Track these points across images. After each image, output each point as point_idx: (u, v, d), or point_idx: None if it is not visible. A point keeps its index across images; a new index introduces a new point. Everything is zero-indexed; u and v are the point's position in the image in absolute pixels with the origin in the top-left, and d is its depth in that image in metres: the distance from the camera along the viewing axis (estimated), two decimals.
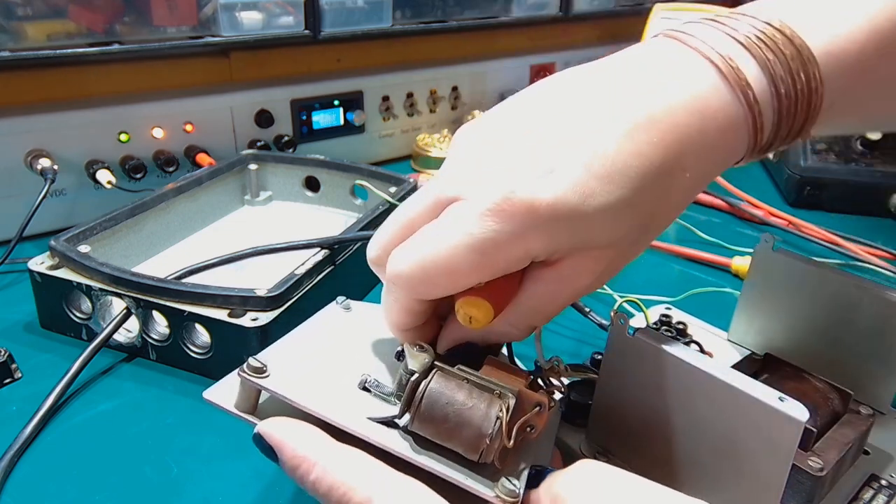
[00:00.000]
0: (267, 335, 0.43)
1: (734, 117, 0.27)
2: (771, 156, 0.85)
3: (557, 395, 0.36)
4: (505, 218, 0.26)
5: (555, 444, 0.34)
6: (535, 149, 0.27)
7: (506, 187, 0.26)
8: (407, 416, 0.27)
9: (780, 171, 0.81)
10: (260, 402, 0.29)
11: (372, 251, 0.31)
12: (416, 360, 0.28)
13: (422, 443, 0.27)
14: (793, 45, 0.28)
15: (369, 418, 0.28)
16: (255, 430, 0.27)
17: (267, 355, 0.30)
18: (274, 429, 0.27)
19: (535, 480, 0.27)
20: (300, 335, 0.34)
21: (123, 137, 0.66)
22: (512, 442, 0.26)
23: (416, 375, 0.28)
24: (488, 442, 0.26)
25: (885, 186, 0.74)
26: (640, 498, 0.24)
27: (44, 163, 0.60)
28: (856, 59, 0.28)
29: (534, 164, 0.26)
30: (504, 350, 0.36)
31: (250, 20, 0.71)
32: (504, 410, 0.26)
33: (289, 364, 0.30)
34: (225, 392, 0.30)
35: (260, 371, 0.29)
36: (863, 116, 0.33)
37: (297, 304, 0.45)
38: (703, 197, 0.77)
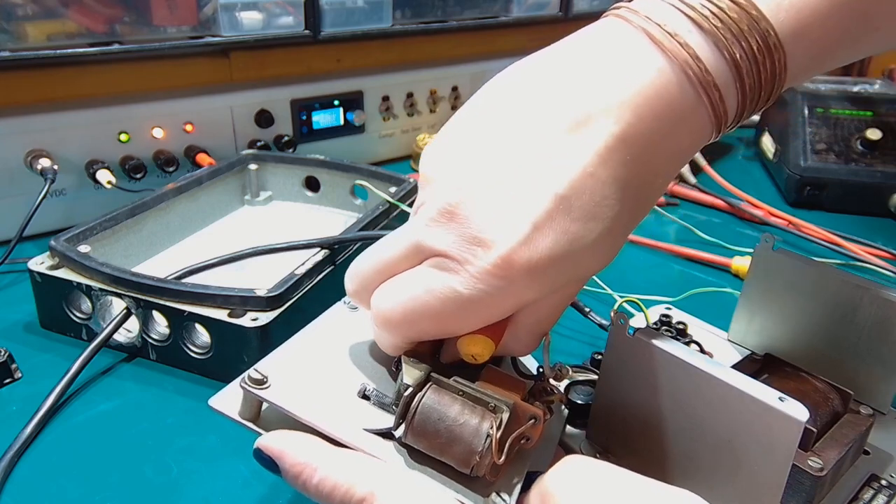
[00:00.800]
0: (267, 335, 0.43)
1: (700, 117, 0.27)
2: (771, 156, 0.85)
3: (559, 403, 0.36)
4: (496, 280, 0.26)
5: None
6: (509, 194, 0.26)
7: (494, 252, 0.25)
8: (402, 429, 0.28)
9: (780, 171, 0.81)
10: (263, 408, 0.30)
11: (350, 284, 0.31)
12: (411, 374, 0.29)
13: (416, 454, 0.28)
14: (757, 28, 0.26)
15: (366, 429, 0.28)
16: (255, 446, 0.28)
17: (268, 364, 0.31)
18: (272, 441, 0.28)
19: (529, 484, 0.27)
20: (304, 339, 0.34)
21: (123, 137, 0.66)
22: (503, 458, 0.26)
23: (410, 390, 0.28)
24: (478, 458, 0.26)
25: (885, 186, 0.74)
26: (627, 490, 0.25)
27: (44, 163, 0.60)
28: (819, 42, 0.27)
29: (514, 218, 0.26)
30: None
31: (250, 20, 0.71)
32: (494, 427, 0.27)
33: (289, 373, 0.30)
34: (230, 399, 0.30)
35: (260, 382, 0.29)
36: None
37: (297, 304, 0.45)
38: (703, 197, 0.77)
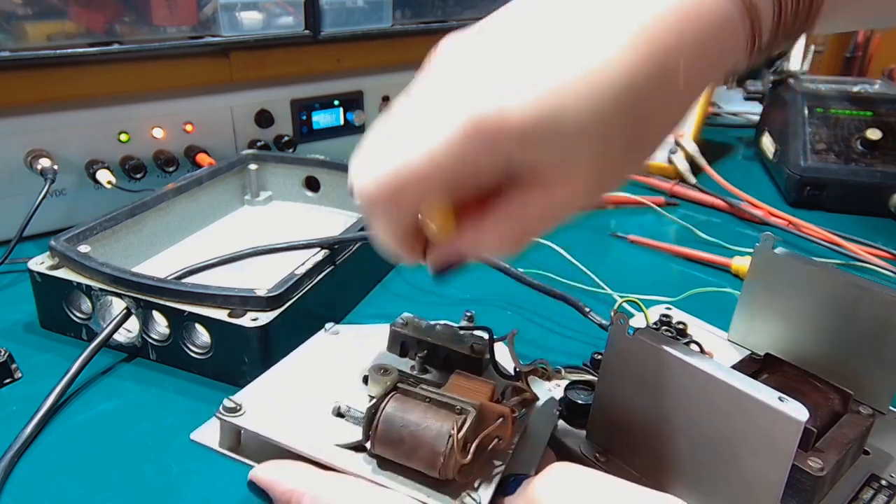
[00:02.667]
0: (267, 335, 0.43)
1: (730, 19, 0.25)
2: (771, 156, 0.85)
3: (547, 399, 0.36)
4: (477, 135, 0.24)
5: (555, 445, 0.35)
6: (511, 62, 0.25)
7: (481, 104, 0.24)
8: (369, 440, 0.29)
9: (780, 171, 0.81)
10: (243, 437, 0.31)
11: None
12: (376, 385, 0.30)
13: (387, 464, 0.28)
14: None
15: (337, 445, 0.29)
16: (248, 478, 0.29)
17: (245, 393, 0.32)
18: (262, 472, 0.29)
19: (513, 487, 0.28)
20: (283, 368, 0.35)
21: (123, 137, 0.66)
22: (469, 457, 0.27)
23: (373, 401, 0.28)
24: (443, 460, 0.27)
25: (885, 186, 0.74)
26: (612, 496, 0.25)
27: (44, 163, 0.60)
28: None
29: (508, 78, 0.24)
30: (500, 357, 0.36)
31: (250, 20, 0.71)
32: (456, 428, 0.27)
33: (265, 399, 0.32)
34: (211, 432, 0.31)
35: (234, 410, 0.30)
36: (860, 11, 0.31)
37: (297, 304, 0.45)
38: (703, 197, 0.77)
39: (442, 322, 0.39)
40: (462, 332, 0.38)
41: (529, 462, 0.31)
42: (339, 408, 0.30)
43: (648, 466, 0.32)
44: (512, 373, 0.36)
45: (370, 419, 0.28)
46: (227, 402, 0.30)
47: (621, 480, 0.26)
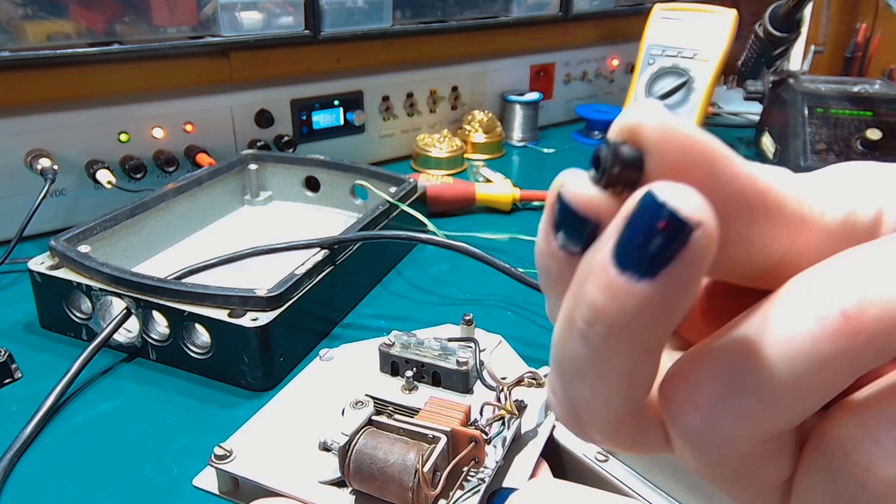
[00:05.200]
0: (267, 335, 0.43)
1: None
2: (771, 156, 0.85)
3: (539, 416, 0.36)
4: None
5: (554, 447, 0.35)
6: None
7: None
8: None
9: None
10: (240, 480, 0.32)
11: None
12: (349, 422, 0.30)
13: (366, 498, 0.29)
14: None
15: (320, 482, 0.30)
16: None
17: (236, 437, 0.33)
18: None
19: (500, 501, 0.28)
20: (276, 404, 0.36)
21: (123, 137, 0.66)
22: (439, 488, 0.28)
23: (345, 439, 0.29)
24: (412, 494, 0.28)
25: None
26: None
27: (44, 163, 0.60)
28: None
29: None
30: (481, 356, 0.37)
31: (250, 20, 0.71)
32: (421, 460, 0.28)
33: (254, 442, 0.33)
34: (212, 476, 0.32)
35: (224, 457, 0.31)
36: None
37: (297, 304, 0.45)
38: None
39: (432, 335, 0.39)
40: (451, 343, 0.38)
41: (521, 473, 0.32)
42: (325, 442, 0.31)
43: (648, 467, 0.32)
44: (498, 378, 0.36)
45: (343, 457, 0.29)
46: (217, 450, 0.31)
47: (602, 493, 0.26)
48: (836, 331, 0.12)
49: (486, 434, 0.31)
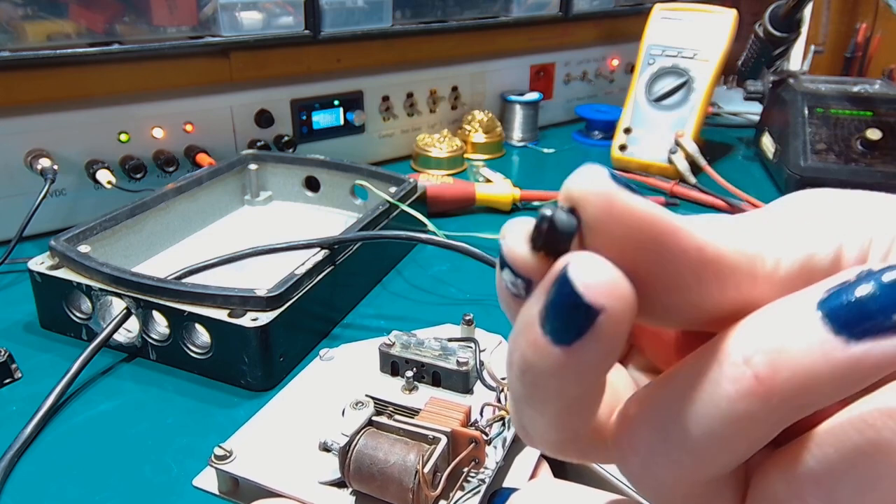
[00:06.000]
0: (267, 335, 0.43)
1: None
2: (771, 156, 0.85)
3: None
4: None
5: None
6: None
7: None
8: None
9: (780, 171, 0.81)
10: (240, 480, 0.32)
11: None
12: (349, 422, 0.30)
13: (367, 499, 0.29)
14: None
15: (320, 482, 0.30)
16: None
17: (236, 437, 0.33)
18: None
19: (500, 501, 0.28)
20: (276, 404, 0.36)
21: (123, 137, 0.66)
22: (440, 489, 0.28)
23: (346, 439, 0.29)
24: (412, 495, 0.28)
25: (885, 186, 0.74)
26: None
27: (44, 163, 0.60)
28: None
29: None
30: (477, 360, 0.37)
31: (250, 20, 0.71)
32: (421, 461, 0.28)
33: (254, 442, 0.33)
34: (211, 477, 0.32)
35: (224, 457, 0.31)
36: None
37: (297, 304, 0.45)
38: (703, 197, 0.77)
39: (432, 335, 0.39)
40: (451, 343, 0.38)
41: (521, 473, 0.32)
42: (325, 442, 0.31)
43: None
44: (497, 378, 0.36)
45: (343, 457, 0.29)
46: (217, 450, 0.31)
47: (601, 492, 0.26)
48: (750, 393, 0.12)
49: (487, 435, 0.31)
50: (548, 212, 0.13)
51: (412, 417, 0.32)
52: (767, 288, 0.14)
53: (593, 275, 0.12)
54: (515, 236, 0.14)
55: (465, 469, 0.29)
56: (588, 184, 0.13)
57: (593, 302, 0.12)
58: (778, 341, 0.12)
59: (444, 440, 0.29)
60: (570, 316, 0.12)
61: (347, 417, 0.30)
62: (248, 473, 0.31)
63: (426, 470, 0.27)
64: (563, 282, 0.12)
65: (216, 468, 0.31)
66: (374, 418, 0.30)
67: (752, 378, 0.12)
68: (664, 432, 0.14)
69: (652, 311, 0.14)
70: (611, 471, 0.33)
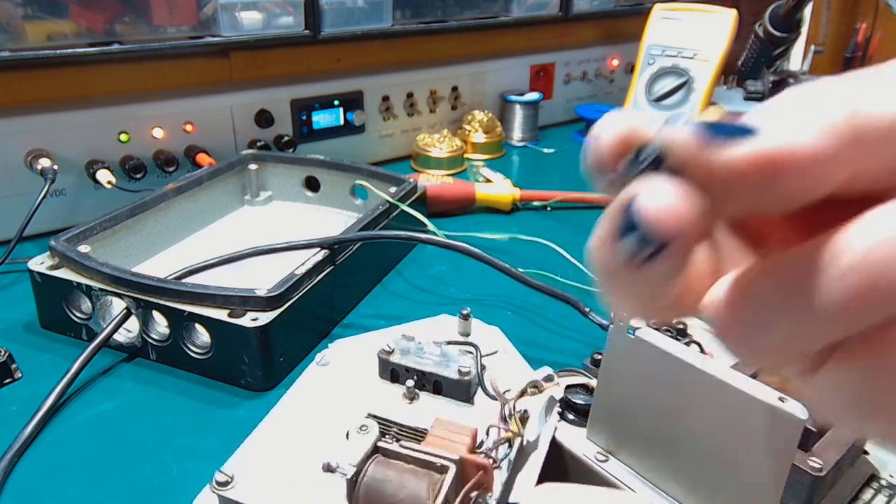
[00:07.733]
0: (267, 335, 0.43)
1: None
2: None
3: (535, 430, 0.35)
4: None
5: (555, 447, 0.35)
6: None
7: None
8: None
9: None
10: None
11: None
12: (354, 451, 0.29)
13: None
14: None
15: None
16: None
17: (234, 461, 0.32)
18: None
19: None
20: (274, 419, 0.35)
21: (123, 137, 0.66)
22: None
23: (353, 471, 0.29)
24: None
25: None
26: None
27: (44, 163, 0.60)
28: None
29: None
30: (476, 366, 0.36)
31: (250, 20, 0.71)
32: (432, 496, 0.27)
33: (255, 466, 0.32)
34: (213, 500, 0.31)
35: (226, 483, 0.31)
36: None
37: (297, 304, 0.45)
38: None
39: (427, 328, 0.39)
40: (451, 347, 0.38)
41: (525, 484, 0.32)
42: (328, 464, 0.30)
43: (649, 466, 0.32)
44: (501, 393, 0.35)
45: (351, 489, 0.28)
46: (218, 476, 0.31)
47: (601, 490, 0.26)
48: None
49: (495, 460, 0.31)
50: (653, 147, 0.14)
51: (418, 440, 0.31)
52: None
53: (664, 201, 0.13)
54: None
55: (474, 494, 0.29)
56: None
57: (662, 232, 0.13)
58: None
59: (452, 468, 0.28)
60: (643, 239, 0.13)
61: (352, 442, 0.30)
62: (251, 500, 0.30)
63: (439, 502, 0.27)
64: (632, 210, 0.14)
65: (218, 495, 0.31)
66: (380, 444, 0.30)
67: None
68: (792, 301, 0.14)
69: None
70: (610, 470, 0.33)
